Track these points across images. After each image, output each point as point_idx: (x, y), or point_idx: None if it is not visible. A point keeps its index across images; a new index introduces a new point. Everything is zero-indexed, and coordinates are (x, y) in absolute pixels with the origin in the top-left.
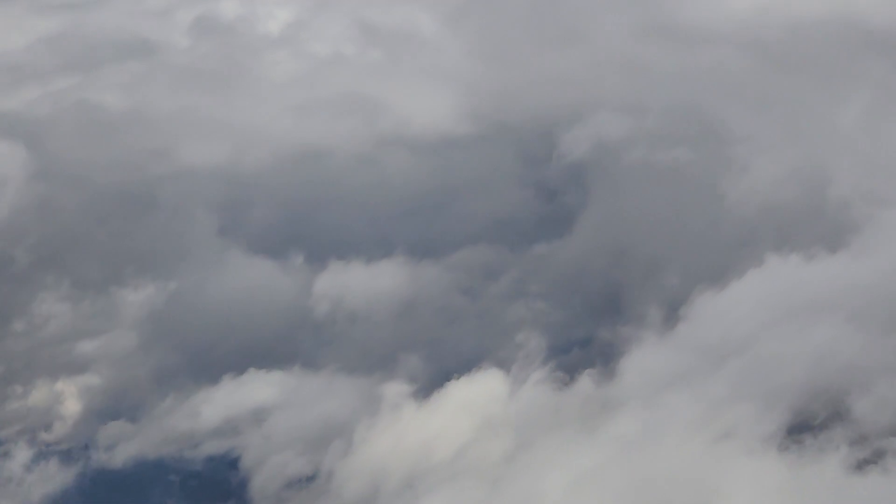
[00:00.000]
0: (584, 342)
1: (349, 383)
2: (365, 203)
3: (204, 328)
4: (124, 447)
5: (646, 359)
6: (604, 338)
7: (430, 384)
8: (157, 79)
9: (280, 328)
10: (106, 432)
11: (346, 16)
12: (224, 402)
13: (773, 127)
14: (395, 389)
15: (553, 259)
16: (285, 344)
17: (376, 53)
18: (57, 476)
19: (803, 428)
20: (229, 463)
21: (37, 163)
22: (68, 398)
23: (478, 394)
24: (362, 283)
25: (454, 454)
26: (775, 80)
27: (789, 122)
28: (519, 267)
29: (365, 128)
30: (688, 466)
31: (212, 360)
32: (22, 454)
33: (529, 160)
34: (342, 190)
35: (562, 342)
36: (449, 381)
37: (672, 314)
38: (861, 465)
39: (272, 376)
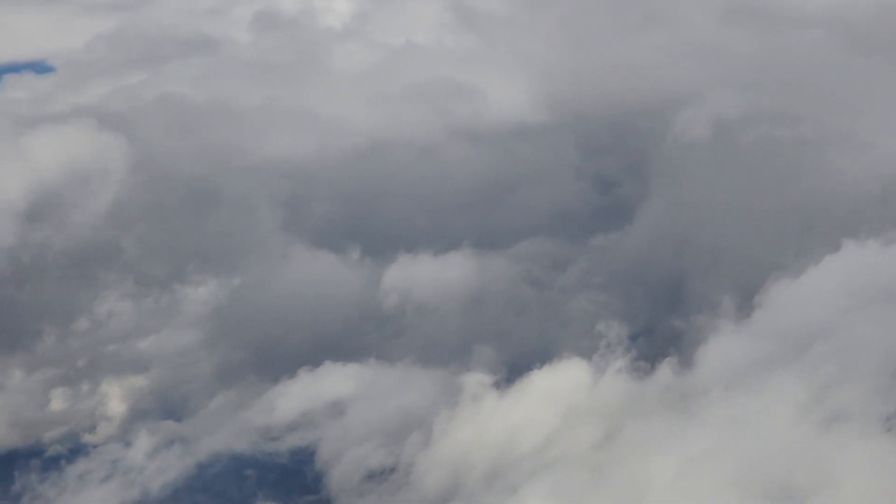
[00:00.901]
0: (660, 332)
1: (425, 375)
2: (427, 195)
3: (269, 323)
4: (202, 443)
5: (724, 347)
6: (678, 327)
7: (509, 374)
8: (229, 73)
9: (347, 322)
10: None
11: (416, 4)
12: (300, 395)
13: (853, 111)
14: (476, 380)
15: (616, 249)
16: (354, 337)
17: (451, 41)
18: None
19: None
20: (306, 456)
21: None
22: (112, 398)
23: (561, 383)
24: (430, 276)
25: (541, 444)
26: (859, 63)
27: (869, 106)
28: (582, 257)
29: (438, 118)
30: (799, 449)
31: (278, 355)
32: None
33: (593, 150)
34: (405, 182)
35: (638, 332)
36: (526, 371)
37: (745, 302)
38: None
39: (348, 369)
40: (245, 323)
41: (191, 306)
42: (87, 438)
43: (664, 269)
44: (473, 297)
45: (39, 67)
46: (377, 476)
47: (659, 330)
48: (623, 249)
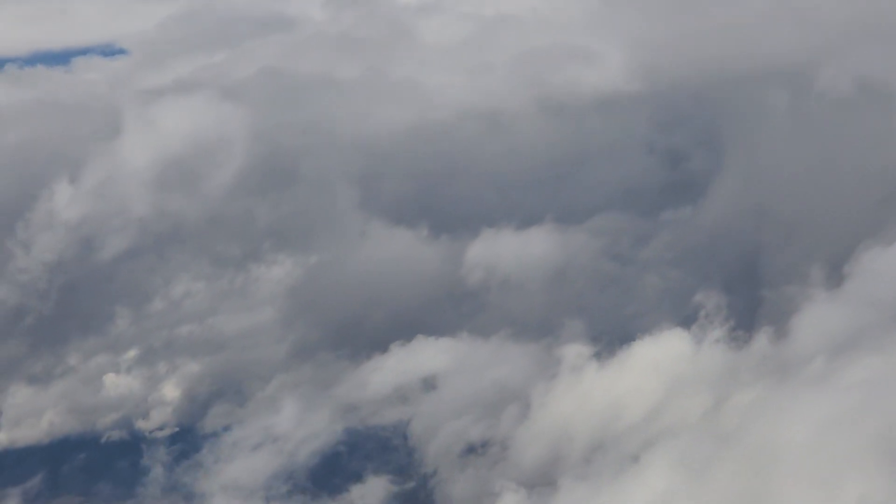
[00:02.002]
0: (750, 303)
1: (518, 348)
2: (500, 171)
3: (347, 302)
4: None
5: (820, 316)
6: (768, 298)
7: (607, 346)
8: (318, 49)
9: (429, 299)
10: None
11: None
12: (393, 370)
13: None
14: (575, 352)
15: (691, 223)
16: (438, 313)
17: (545, 10)
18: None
19: None
20: (402, 431)
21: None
22: (166, 385)
23: (662, 354)
24: (513, 251)
25: (647, 414)
26: None
27: None
28: (657, 232)
29: (531, 89)
30: None
31: (357, 333)
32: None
33: (667, 123)
34: (479, 158)
35: (732, 302)
36: (619, 343)
37: (834, 272)
38: None
39: (440, 343)
40: (322, 301)
41: (266, 286)
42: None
43: (741, 241)
44: (557, 272)
45: (109, 50)
46: (475, 450)
47: (749, 301)
48: (698, 223)
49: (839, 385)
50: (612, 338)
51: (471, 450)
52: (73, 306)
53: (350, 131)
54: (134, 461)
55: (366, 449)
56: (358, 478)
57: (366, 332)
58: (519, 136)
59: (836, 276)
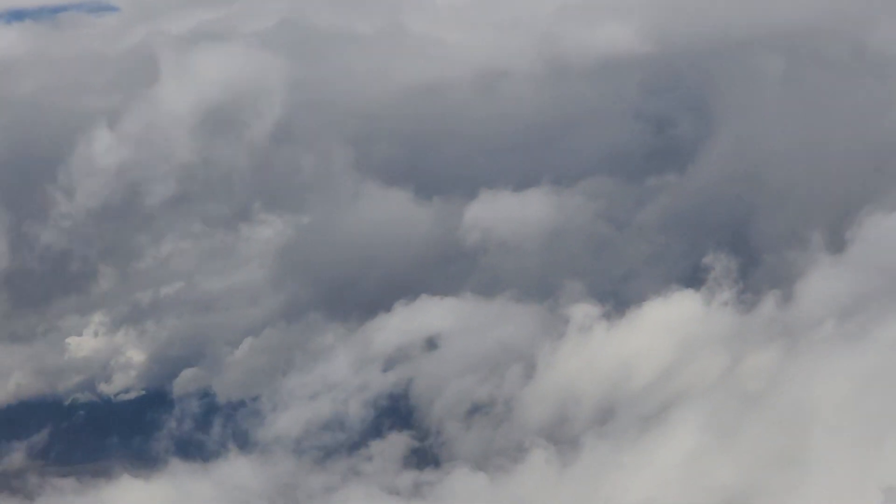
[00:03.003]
0: (750, 266)
1: (521, 309)
2: (488, 134)
3: (340, 263)
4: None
5: (825, 280)
6: (769, 262)
7: (615, 307)
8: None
9: (424, 260)
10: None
11: None
12: (397, 329)
13: None
14: (583, 312)
15: (683, 188)
16: (433, 274)
17: None
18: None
19: None
20: (405, 390)
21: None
22: (130, 347)
23: (672, 315)
24: (510, 213)
25: (660, 375)
26: None
27: None
28: (645, 197)
29: (542, 49)
30: None
31: (352, 294)
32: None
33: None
34: (466, 122)
35: (736, 265)
36: (620, 304)
37: (835, 237)
38: None
39: (445, 303)
40: (313, 262)
41: (257, 246)
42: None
43: (733, 207)
44: (553, 234)
45: (97, 6)
46: (478, 409)
47: (751, 265)
48: (689, 188)
49: (871, 344)
50: (616, 299)
51: (475, 409)
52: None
53: (349, 89)
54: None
55: (375, 407)
56: (377, 433)
57: (359, 294)
58: (511, 98)
59: (837, 242)
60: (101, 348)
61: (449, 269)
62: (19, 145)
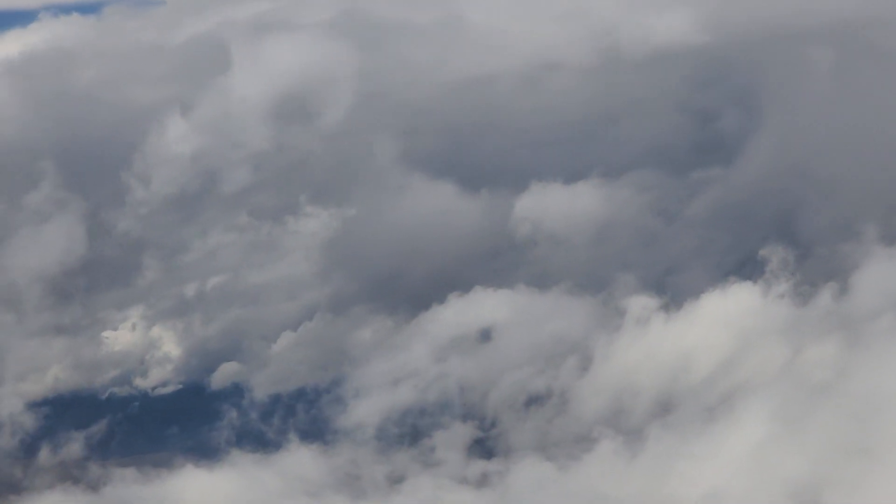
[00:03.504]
0: (803, 259)
1: (576, 301)
2: (530, 127)
3: (386, 255)
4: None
5: (880, 273)
6: (822, 254)
7: (673, 299)
8: None
9: (472, 252)
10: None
11: None
12: (451, 321)
13: None
14: (641, 304)
15: (730, 181)
16: (481, 267)
17: None
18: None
19: None
20: (460, 382)
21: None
22: (167, 342)
23: (731, 307)
24: (561, 205)
25: (720, 367)
26: None
27: None
28: (692, 189)
29: (595, 40)
30: None
31: (399, 286)
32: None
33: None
34: (509, 115)
35: (793, 257)
36: (678, 296)
37: (889, 230)
38: None
39: (498, 295)
40: (360, 255)
41: (302, 238)
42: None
43: (781, 200)
44: (602, 227)
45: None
46: (535, 401)
47: (805, 257)
48: (736, 181)
49: None
50: (671, 291)
51: (532, 401)
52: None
53: (400, 81)
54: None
55: (434, 398)
56: (438, 424)
57: (406, 287)
58: (559, 90)
59: (890, 234)
60: (137, 342)
61: (498, 262)
62: (85, 136)
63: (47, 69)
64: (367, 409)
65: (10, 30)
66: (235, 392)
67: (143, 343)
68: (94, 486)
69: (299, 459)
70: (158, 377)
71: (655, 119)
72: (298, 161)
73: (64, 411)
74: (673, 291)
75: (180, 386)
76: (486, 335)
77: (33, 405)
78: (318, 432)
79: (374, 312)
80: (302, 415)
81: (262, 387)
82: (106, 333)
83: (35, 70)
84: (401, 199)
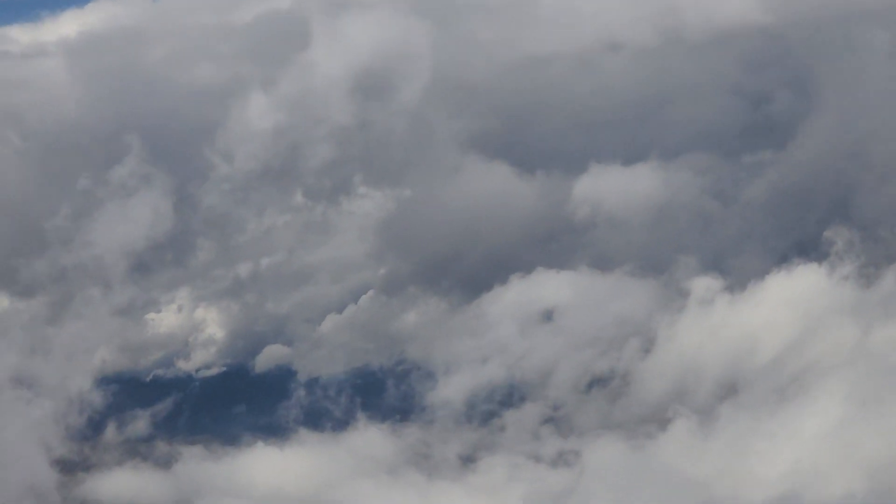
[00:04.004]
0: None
1: (637, 283)
2: (585, 109)
3: (442, 236)
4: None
5: None
6: (883, 236)
7: (737, 280)
8: None
9: (532, 233)
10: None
11: None
12: (513, 301)
13: None
14: (704, 285)
15: (784, 163)
16: (540, 249)
17: None
18: None
19: None
20: (521, 363)
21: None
22: (210, 324)
23: (796, 288)
24: (620, 187)
25: (787, 348)
26: None
27: None
28: (744, 172)
29: (659, 20)
30: None
31: (455, 267)
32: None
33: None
34: (565, 97)
35: (858, 239)
36: (741, 277)
37: None
38: None
39: (561, 276)
40: (414, 236)
41: (355, 220)
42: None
43: (836, 183)
44: (660, 209)
45: None
46: (596, 383)
47: (863, 238)
48: (791, 164)
49: None
50: (734, 273)
51: (593, 383)
52: None
53: (464, 59)
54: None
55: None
56: (508, 404)
57: (462, 268)
58: (615, 71)
59: None
60: (181, 324)
61: (555, 244)
62: (159, 114)
63: (111, 48)
64: (435, 388)
65: (67, 10)
66: (281, 374)
67: (187, 325)
68: (162, 464)
69: (368, 439)
70: (202, 359)
71: (709, 102)
72: (378, 138)
73: (125, 390)
74: (735, 273)
75: (224, 368)
76: (548, 316)
77: (100, 382)
78: (386, 412)
79: (427, 295)
80: (368, 395)
81: (306, 369)
82: (150, 315)
83: (98, 49)
84: (456, 180)
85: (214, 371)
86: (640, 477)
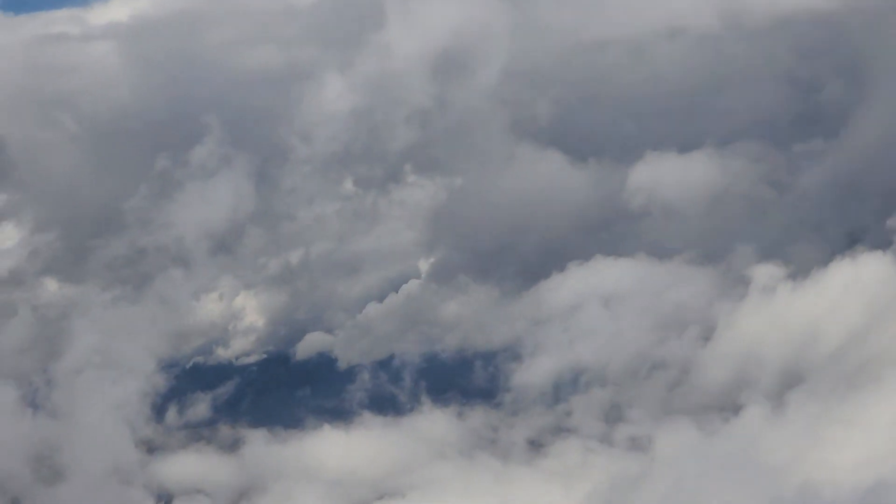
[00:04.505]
0: None
1: (696, 270)
2: (638, 96)
3: (494, 225)
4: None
5: None
6: None
7: (800, 268)
8: None
9: (586, 222)
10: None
11: None
12: (571, 289)
13: None
14: (767, 273)
15: (838, 152)
16: (595, 237)
17: None
18: None
19: None
20: (580, 349)
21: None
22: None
23: (861, 276)
24: (675, 175)
25: (852, 337)
26: None
27: None
28: (796, 161)
29: (724, 3)
30: None
31: (510, 256)
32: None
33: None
34: (618, 84)
35: None
36: (799, 266)
37: None
38: None
39: (619, 264)
40: (466, 225)
41: (406, 209)
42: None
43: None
44: (717, 197)
45: None
46: (656, 370)
47: None
48: (844, 153)
49: None
50: (795, 261)
51: (653, 370)
52: None
53: (519, 45)
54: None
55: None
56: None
57: (516, 257)
58: (670, 58)
59: None
60: (221, 312)
61: (610, 232)
62: (222, 97)
63: (165, 33)
64: (499, 374)
65: None
66: (321, 362)
67: (227, 313)
68: (227, 448)
69: (433, 422)
70: (241, 347)
71: (762, 89)
72: (472, 114)
73: (186, 374)
74: (797, 261)
75: (264, 356)
76: (607, 303)
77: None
78: (450, 397)
79: (478, 283)
80: (432, 380)
81: (346, 356)
82: (192, 302)
83: (152, 34)
84: (509, 169)
85: (253, 359)
86: (713, 463)
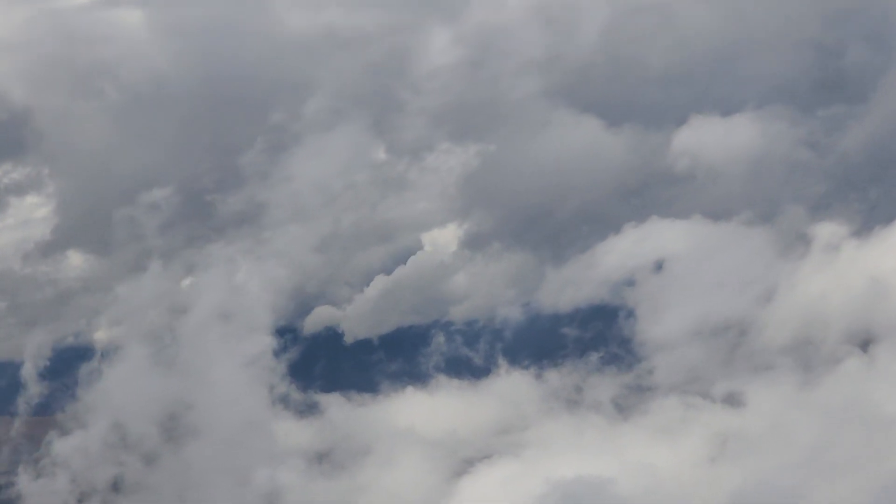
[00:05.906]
0: None
1: (751, 231)
2: (666, 62)
3: (530, 191)
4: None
5: None
6: None
7: (864, 226)
8: None
9: (626, 186)
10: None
11: None
12: (625, 251)
13: None
14: (829, 231)
15: (874, 116)
16: (635, 201)
17: None
18: None
19: None
20: (626, 312)
21: None
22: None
23: None
24: (719, 138)
25: None
26: None
27: None
28: (822, 126)
29: None
30: None
31: (548, 221)
32: None
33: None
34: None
35: None
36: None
37: None
38: None
39: (676, 225)
40: (500, 191)
41: (440, 175)
42: None
43: None
44: (758, 159)
45: None
46: (715, 331)
47: None
48: (876, 116)
49: None
50: (856, 219)
51: (712, 331)
52: None
53: None
54: None
55: (595, 329)
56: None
57: (554, 222)
58: (683, 26)
59: None
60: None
61: (650, 196)
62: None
63: None
64: (568, 336)
65: None
66: (330, 335)
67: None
68: (303, 412)
69: (513, 384)
70: None
71: (785, 54)
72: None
73: None
74: (856, 219)
75: None
76: (662, 265)
77: None
78: (525, 359)
79: (514, 248)
80: (507, 343)
81: (351, 332)
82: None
83: None
84: (543, 134)
85: None
86: (813, 414)
